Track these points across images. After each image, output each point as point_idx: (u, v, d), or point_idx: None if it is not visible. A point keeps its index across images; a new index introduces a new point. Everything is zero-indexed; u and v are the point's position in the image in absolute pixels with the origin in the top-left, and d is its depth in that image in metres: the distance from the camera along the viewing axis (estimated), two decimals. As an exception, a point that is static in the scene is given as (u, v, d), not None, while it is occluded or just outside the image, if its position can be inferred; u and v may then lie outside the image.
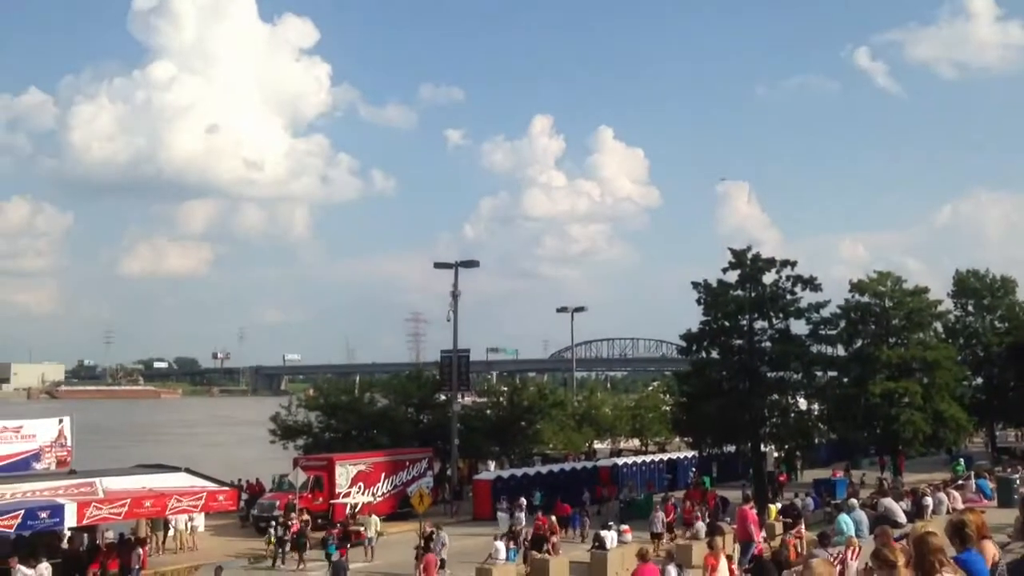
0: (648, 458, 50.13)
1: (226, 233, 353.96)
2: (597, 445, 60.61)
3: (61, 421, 29.94)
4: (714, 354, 40.84)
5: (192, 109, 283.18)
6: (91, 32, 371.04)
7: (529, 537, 27.57)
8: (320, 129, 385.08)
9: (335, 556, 25.75)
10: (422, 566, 23.63)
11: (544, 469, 43.27)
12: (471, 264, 46.29)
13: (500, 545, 25.10)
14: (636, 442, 63.61)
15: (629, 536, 26.71)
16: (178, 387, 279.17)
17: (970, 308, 54.35)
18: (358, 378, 72.69)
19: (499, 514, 32.83)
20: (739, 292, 39.69)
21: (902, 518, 22.03)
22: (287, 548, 28.63)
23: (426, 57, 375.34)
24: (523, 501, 33.17)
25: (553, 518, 29.45)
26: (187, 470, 25.72)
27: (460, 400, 46.34)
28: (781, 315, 39.74)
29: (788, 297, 39.53)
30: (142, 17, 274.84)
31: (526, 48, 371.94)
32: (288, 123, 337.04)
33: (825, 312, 41.29)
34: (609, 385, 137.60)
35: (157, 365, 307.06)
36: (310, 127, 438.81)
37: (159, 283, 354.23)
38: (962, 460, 44.25)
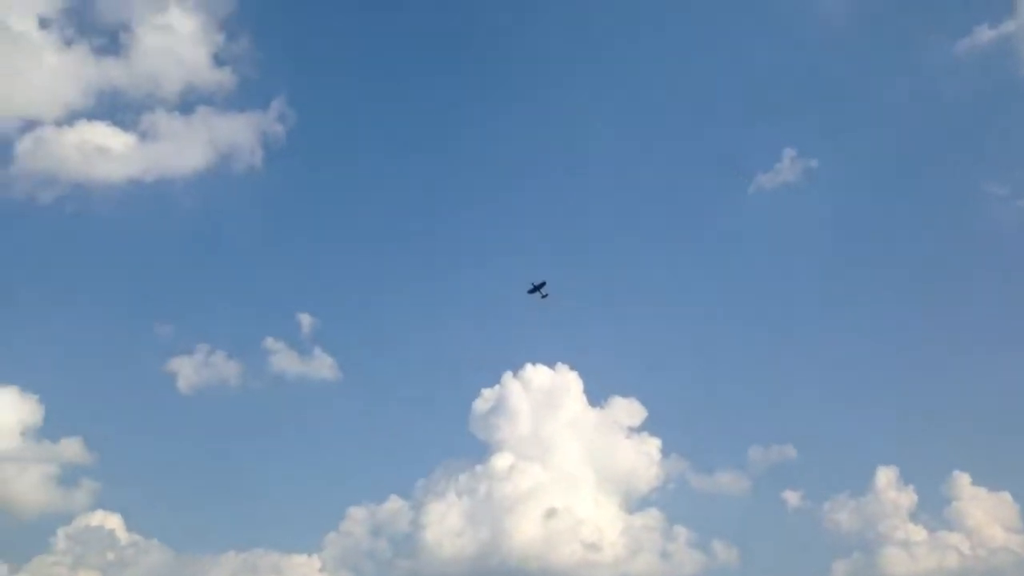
0: None
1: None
2: None
3: None
4: None
5: (530, 496, 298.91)
6: (439, 438, 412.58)
7: None
8: (654, 503, 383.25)
9: None
10: None
11: None
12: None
13: None
14: None
15: None
16: None
17: None
18: None
19: None
20: None
21: None
22: None
23: (752, 419, 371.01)
24: None
25: None
26: None
27: None
28: None
29: None
30: (482, 417, 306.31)
31: (857, 401, 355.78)
32: (623, 500, 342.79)
33: None
34: None
35: None
36: (643, 502, 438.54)
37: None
38: None
